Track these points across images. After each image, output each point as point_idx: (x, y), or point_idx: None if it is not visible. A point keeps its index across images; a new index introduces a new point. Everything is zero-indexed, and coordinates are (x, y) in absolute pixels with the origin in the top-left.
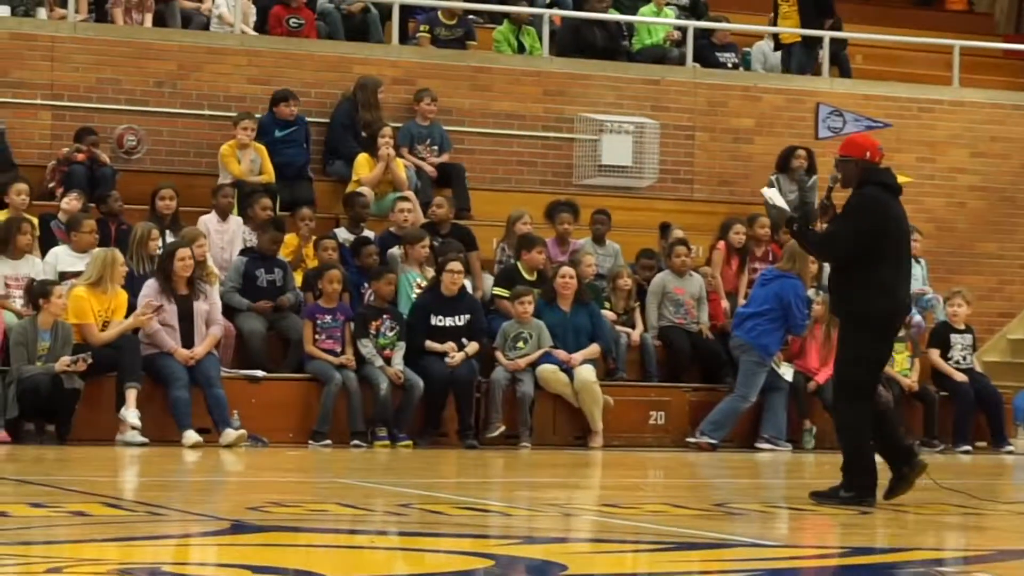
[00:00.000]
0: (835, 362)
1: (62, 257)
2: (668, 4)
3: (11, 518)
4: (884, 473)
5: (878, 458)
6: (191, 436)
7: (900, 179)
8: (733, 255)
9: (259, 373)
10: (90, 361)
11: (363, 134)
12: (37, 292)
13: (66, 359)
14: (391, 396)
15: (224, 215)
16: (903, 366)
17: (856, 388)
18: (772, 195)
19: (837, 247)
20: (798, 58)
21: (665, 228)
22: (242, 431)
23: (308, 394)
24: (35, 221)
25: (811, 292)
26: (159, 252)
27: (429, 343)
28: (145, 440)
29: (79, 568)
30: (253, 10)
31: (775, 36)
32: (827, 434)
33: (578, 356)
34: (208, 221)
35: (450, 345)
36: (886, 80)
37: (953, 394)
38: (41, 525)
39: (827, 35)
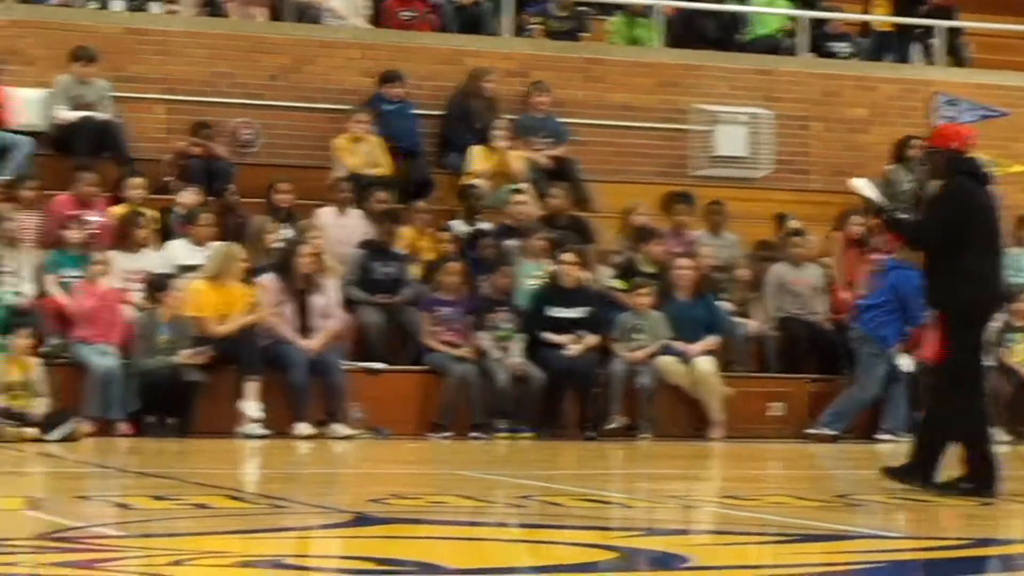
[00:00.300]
0: None
1: (181, 251)
2: None
3: (134, 511)
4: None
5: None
6: (304, 428)
7: (1016, 168)
8: (851, 246)
9: (378, 365)
10: (210, 354)
11: (477, 126)
12: (157, 286)
13: (186, 352)
14: (510, 388)
15: (342, 208)
16: (1022, 356)
17: (947, 377)
18: (861, 185)
19: (924, 236)
20: (894, 46)
21: (781, 218)
22: (354, 431)
23: (427, 386)
24: (153, 215)
25: None
26: (277, 245)
27: (547, 335)
28: (265, 432)
29: (202, 561)
30: (366, 2)
31: (864, 24)
32: None
33: (696, 347)
34: (326, 214)
35: (569, 337)
36: (999, 69)
37: None
38: (164, 518)
39: (943, 24)
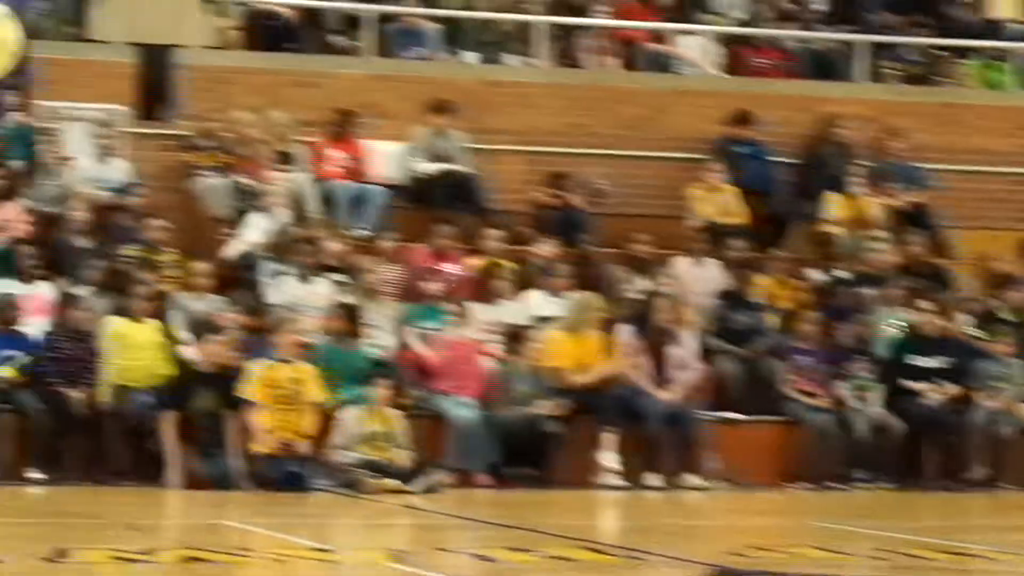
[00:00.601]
0: None
1: (539, 301)
2: None
3: (494, 563)
4: None
5: None
6: (656, 479)
7: None
8: None
9: (736, 415)
10: (568, 405)
11: (831, 173)
12: (515, 337)
13: (545, 403)
14: (869, 438)
15: (698, 258)
16: None
17: None
18: None
19: None
20: None
21: None
22: (708, 482)
23: (785, 436)
24: (511, 266)
25: None
26: (634, 296)
27: (907, 384)
28: (624, 483)
29: None
30: (719, 51)
31: None
32: None
33: None
34: (682, 264)
35: (929, 386)
36: None
37: None
38: (524, 570)
39: None
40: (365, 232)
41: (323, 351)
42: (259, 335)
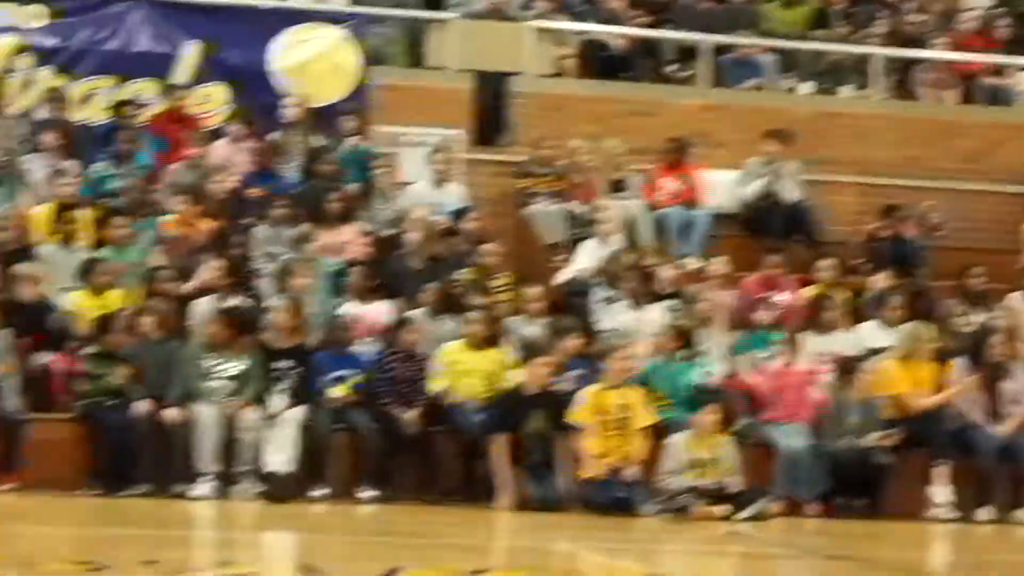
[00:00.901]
0: None
1: (872, 332)
2: None
3: None
4: None
5: None
6: (987, 513)
7: None
8: None
9: None
10: (899, 436)
11: None
12: (847, 367)
13: (876, 434)
14: None
15: None
16: None
17: None
18: None
19: None
20: None
21: None
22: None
23: None
24: (844, 296)
25: None
26: (968, 329)
27: None
28: (956, 516)
29: None
30: None
31: None
32: None
33: None
34: (1017, 299)
35: None
36: None
37: None
38: None
39: None
40: (693, 258)
41: (653, 373)
42: (589, 360)
